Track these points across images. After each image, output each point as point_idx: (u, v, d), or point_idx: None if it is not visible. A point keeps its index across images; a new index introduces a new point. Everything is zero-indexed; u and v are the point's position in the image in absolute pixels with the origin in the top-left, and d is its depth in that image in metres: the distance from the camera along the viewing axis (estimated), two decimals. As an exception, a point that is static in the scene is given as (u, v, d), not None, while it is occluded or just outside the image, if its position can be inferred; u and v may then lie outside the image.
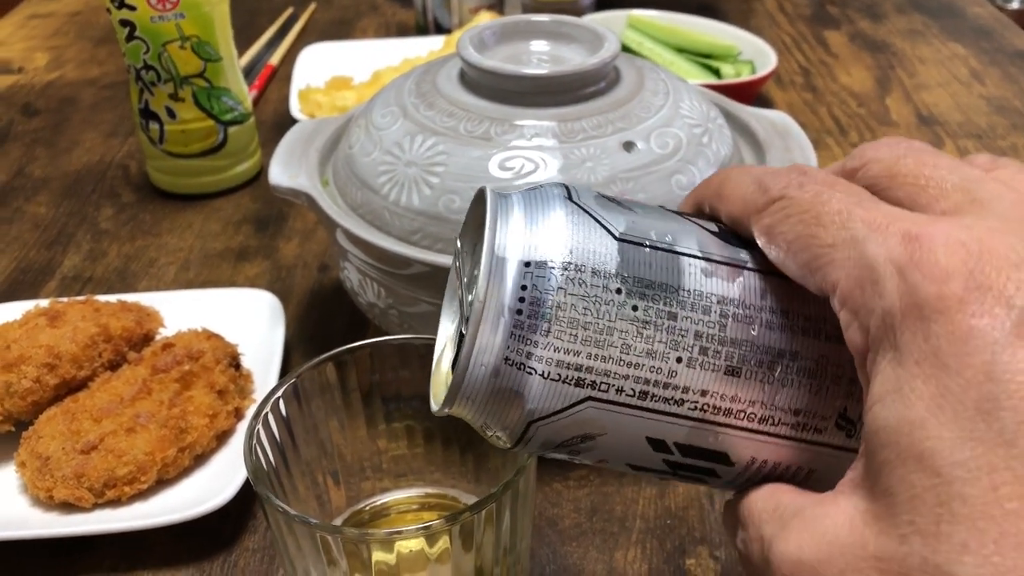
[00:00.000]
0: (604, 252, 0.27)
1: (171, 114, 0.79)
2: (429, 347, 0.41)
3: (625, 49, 0.93)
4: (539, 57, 0.56)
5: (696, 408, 0.27)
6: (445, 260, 0.49)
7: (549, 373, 0.26)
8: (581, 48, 0.56)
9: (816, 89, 1.02)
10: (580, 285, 0.26)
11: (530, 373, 0.26)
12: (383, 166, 0.53)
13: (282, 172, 0.57)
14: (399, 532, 0.35)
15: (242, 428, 0.55)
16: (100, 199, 0.84)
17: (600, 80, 0.54)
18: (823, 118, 0.95)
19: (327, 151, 0.60)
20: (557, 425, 0.27)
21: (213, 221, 0.80)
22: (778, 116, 0.62)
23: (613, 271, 0.26)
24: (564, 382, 0.26)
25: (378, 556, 0.36)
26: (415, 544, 0.35)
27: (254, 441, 0.37)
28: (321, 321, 0.67)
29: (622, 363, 0.26)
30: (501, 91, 0.53)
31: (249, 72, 1.05)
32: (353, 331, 0.65)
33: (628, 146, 0.51)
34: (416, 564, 0.36)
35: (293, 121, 0.90)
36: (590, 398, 0.27)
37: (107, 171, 0.89)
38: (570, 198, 0.28)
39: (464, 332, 0.27)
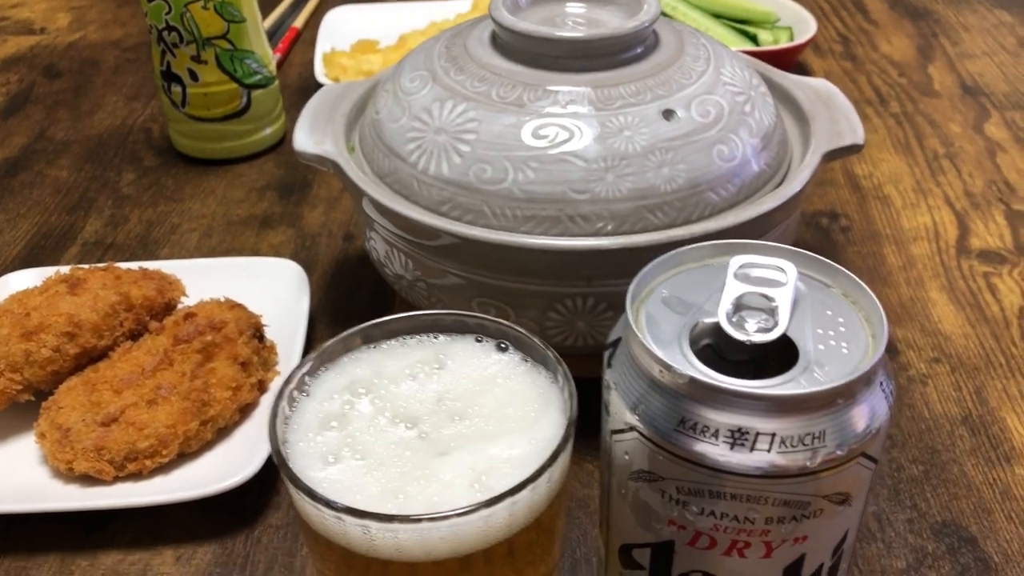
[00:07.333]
0: None
1: (193, 76, 0.77)
2: (457, 321, 0.40)
3: (659, 14, 0.90)
4: (575, 20, 0.54)
5: None
6: (474, 232, 0.47)
7: None
8: (618, 11, 0.53)
9: (855, 58, 0.98)
10: None
11: None
12: (411, 133, 0.51)
13: (307, 138, 0.55)
14: (430, 517, 0.34)
15: (266, 401, 0.53)
16: (122, 163, 0.83)
17: (638, 44, 0.52)
18: (863, 87, 0.92)
19: (353, 116, 0.58)
20: None
21: (236, 187, 0.78)
22: (821, 84, 0.60)
23: None
24: None
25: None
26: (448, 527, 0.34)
27: (279, 420, 0.36)
28: (346, 292, 0.66)
29: None
30: (535, 55, 0.51)
31: (273, 35, 1.03)
32: (379, 302, 0.64)
33: (668, 114, 0.49)
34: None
35: (318, 85, 0.88)
36: None
37: (129, 135, 0.88)
38: None
39: None
